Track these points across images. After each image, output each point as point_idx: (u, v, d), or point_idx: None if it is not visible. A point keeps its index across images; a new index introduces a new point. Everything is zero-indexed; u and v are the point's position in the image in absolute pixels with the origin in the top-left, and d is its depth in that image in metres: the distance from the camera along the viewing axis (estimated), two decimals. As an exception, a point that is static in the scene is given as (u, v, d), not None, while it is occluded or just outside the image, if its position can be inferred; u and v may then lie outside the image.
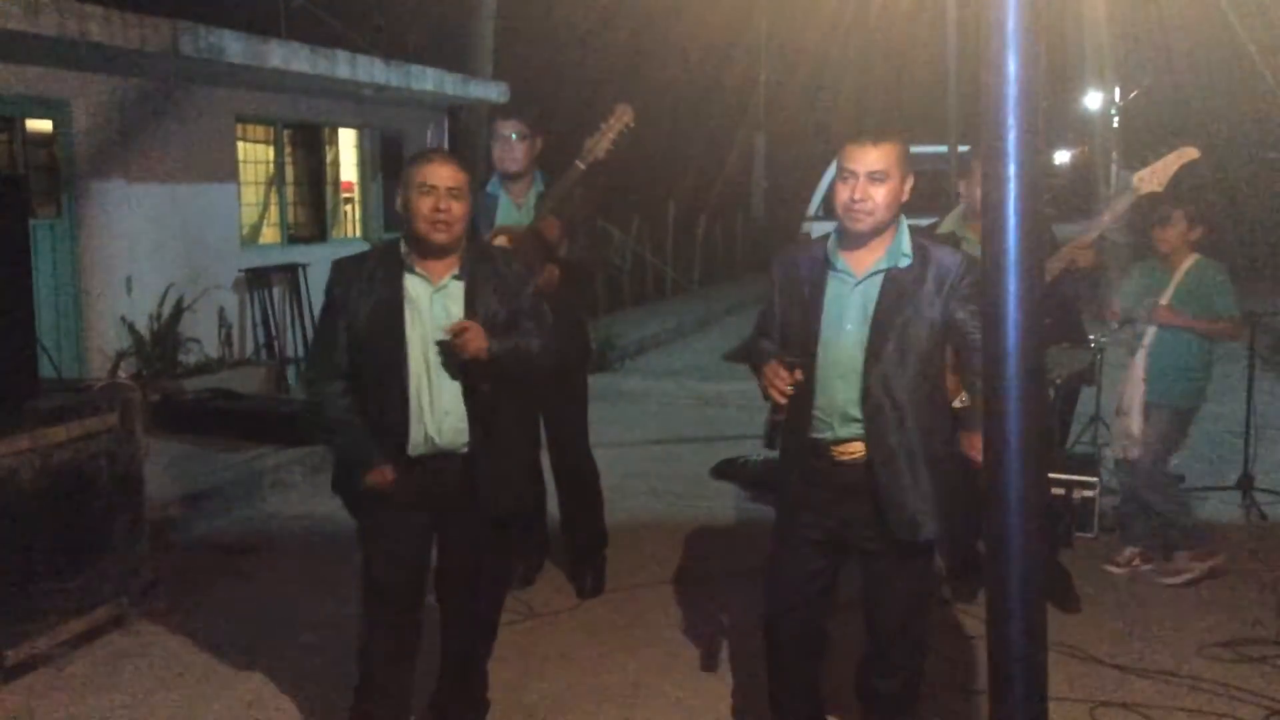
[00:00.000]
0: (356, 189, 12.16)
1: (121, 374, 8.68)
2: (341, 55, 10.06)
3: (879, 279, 3.16)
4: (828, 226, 3.52)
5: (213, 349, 9.87)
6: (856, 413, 3.15)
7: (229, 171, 10.33)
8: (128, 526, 4.69)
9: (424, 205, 3.27)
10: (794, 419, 3.21)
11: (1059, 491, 5.43)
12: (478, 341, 3.24)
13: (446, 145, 13.28)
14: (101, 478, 4.54)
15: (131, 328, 9.11)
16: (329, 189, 11.79)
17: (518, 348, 3.35)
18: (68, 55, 7.96)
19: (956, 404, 4.15)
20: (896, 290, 3.13)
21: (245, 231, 10.71)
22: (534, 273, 3.92)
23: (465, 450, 3.36)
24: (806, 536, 3.29)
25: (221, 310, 10.01)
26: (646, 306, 16.20)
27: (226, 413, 7.66)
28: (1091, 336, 5.44)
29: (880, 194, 3.09)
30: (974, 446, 3.22)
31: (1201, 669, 4.24)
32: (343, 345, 3.37)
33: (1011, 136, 1.59)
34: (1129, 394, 5.09)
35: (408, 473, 3.35)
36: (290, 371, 9.98)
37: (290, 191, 11.42)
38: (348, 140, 12.06)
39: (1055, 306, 4.71)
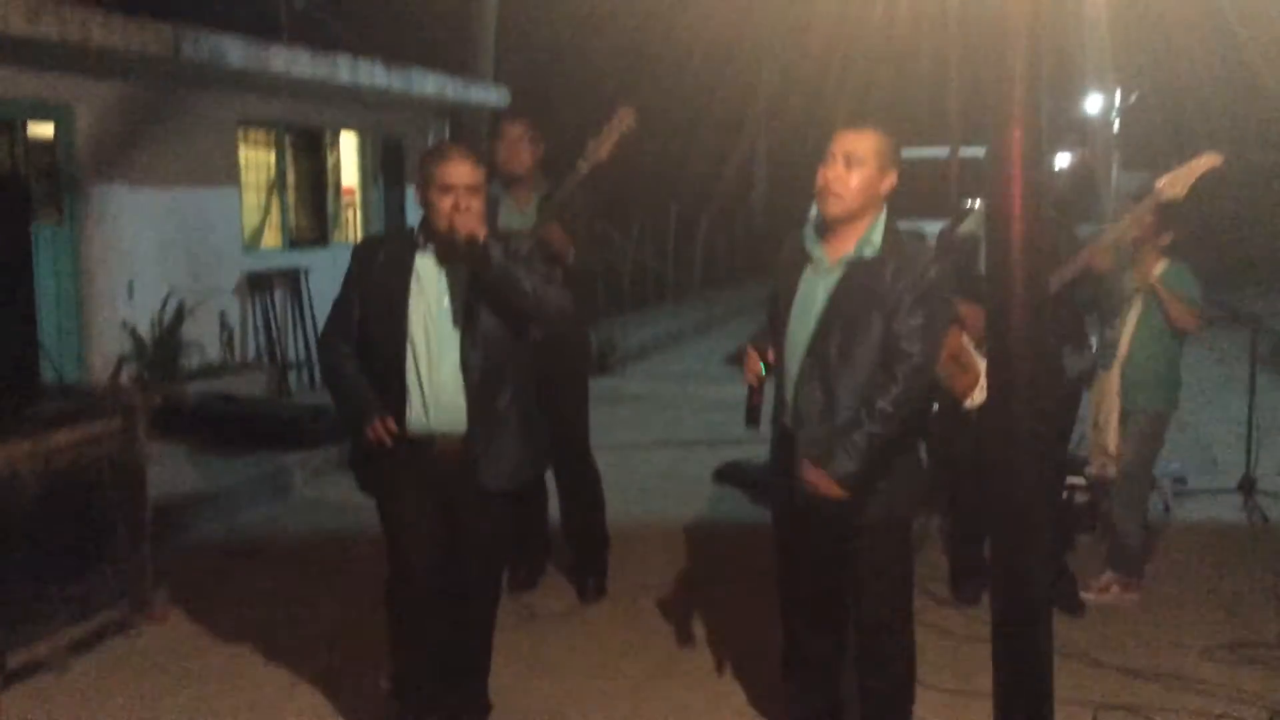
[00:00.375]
0: (358, 193, 12.16)
1: (123, 378, 8.69)
2: (343, 59, 10.07)
3: (843, 268, 3.23)
4: None
5: (214, 353, 9.87)
6: (816, 404, 3.23)
7: (230, 176, 10.34)
8: (130, 530, 4.69)
9: (444, 204, 3.33)
10: (775, 406, 3.35)
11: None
12: (476, 222, 3.29)
13: (448, 149, 13.26)
14: (103, 482, 4.54)
15: (133, 332, 9.11)
16: (330, 193, 11.79)
17: (513, 273, 3.33)
18: (69, 60, 7.97)
19: (967, 404, 4.14)
20: (855, 281, 3.19)
21: (247, 236, 10.71)
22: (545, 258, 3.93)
23: (464, 434, 3.40)
24: (796, 524, 3.39)
25: (223, 314, 10.01)
26: (648, 309, 16.20)
27: (228, 417, 7.66)
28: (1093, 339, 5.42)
29: (854, 179, 3.15)
30: (815, 479, 3.19)
31: (1204, 671, 4.23)
32: (355, 317, 3.49)
33: (1015, 139, 1.60)
34: (1105, 408, 4.96)
35: (411, 454, 3.41)
36: (292, 376, 9.98)
37: (291, 195, 11.42)
38: (349, 144, 12.06)
39: (1067, 310, 4.65)
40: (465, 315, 3.39)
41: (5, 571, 4.12)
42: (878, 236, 3.21)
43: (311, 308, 10.32)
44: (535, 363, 4.75)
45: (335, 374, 3.54)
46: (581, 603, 5.00)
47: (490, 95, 12.85)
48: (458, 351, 3.38)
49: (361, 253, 3.56)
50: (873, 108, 20.37)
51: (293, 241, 11.21)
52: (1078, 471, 5.53)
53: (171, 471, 6.56)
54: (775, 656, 3.69)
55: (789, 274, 3.32)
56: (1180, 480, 6.54)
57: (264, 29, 10.14)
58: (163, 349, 9.19)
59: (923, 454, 3.47)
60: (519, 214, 4.85)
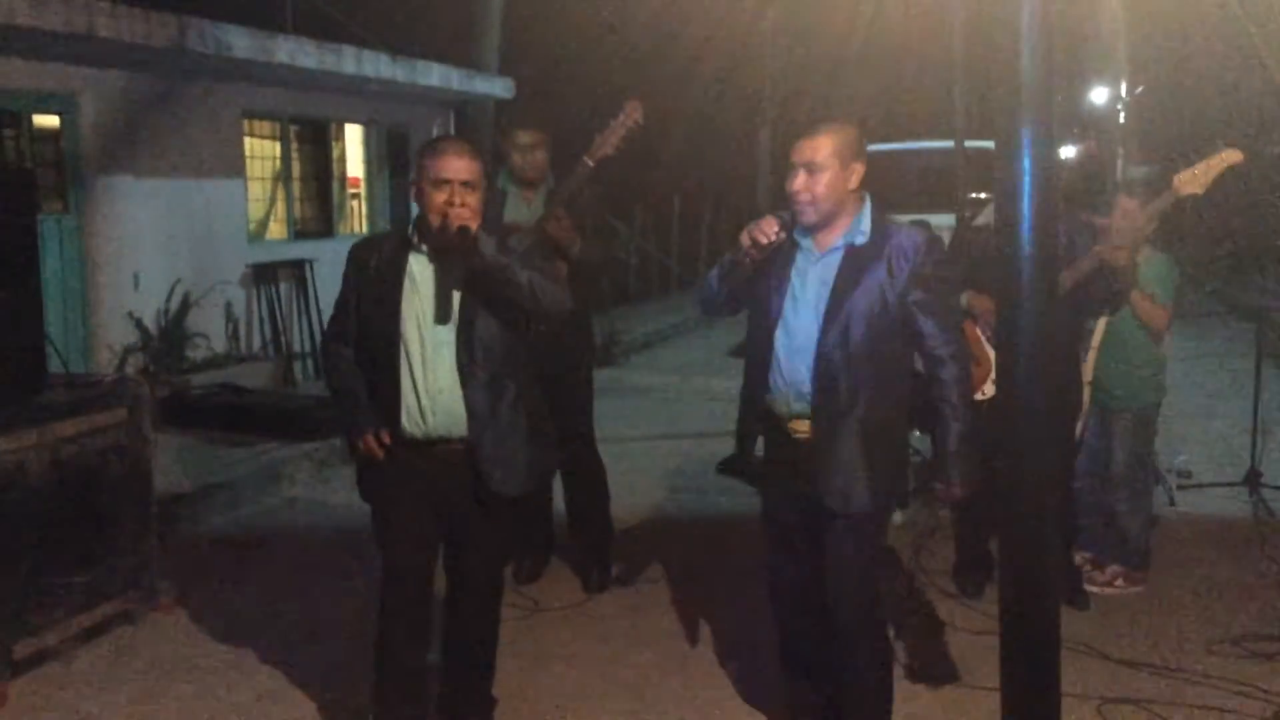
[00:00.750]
0: (363, 184, 12.16)
1: (129, 369, 8.71)
2: (348, 50, 10.05)
3: (838, 255, 3.26)
4: None
5: (220, 344, 9.88)
6: (809, 390, 3.24)
7: (236, 167, 10.34)
8: (136, 521, 4.70)
9: (438, 199, 3.25)
10: (751, 383, 3.40)
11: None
12: (471, 217, 3.22)
13: (453, 140, 13.25)
14: (110, 472, 4.55)
15: (139, 323, 9.12)
16: (335, 184, 11.79)
17: (508, 268, 3.25)
18: (75, 50, 7.97)
19: (978, 396, 4.13)
20: (854, 267, 3.23)
21: (252, 227, 10.72)
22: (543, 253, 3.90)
23: (465, 436, 3.33)
24: (781, 516, 3.46)
25: (229, 305, 10.02)
26: (651, 301, 16.20)
27: (234, 407, 7.67)
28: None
29: (819, 185, 3.21)
30: (948, 492, 3.29)
31: (1210, 665, 4.23)
32: (350, 318, 3.44)
33: (1025, 130, 1.59)
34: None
35: (409, 457, 3.34)
36: (297, 366, 9.99)
37: (297, 187, 11.42)
38: (354, 136, 12.06)
39: (1075, 308, 4.62)
40: (461, 314, 3.31)
41: (12, 562, 4.13)
42: (867, 224, 3.27)
43: (317, 299, 10.32)
44: (539, 355, 4.78)
45: (333, 380, 3.50)
46: (586, 595, 5.00)
47: (495, 87, 12.83)
48: (453, 352, 3.30)
49: (357, 254, 3.47)
50: (879, 102, 20.33)
51: (298, 233, 11.22)
52: None
53: (177, 462, 6.57)
54: (778, 647, 3.70)
55: (775, 262, 3.32)
56: (1186, 474, 6.54)
57: (269, 20, 10.14)
58: (168, 340, 9.20)
59: (915, 445, 3.49)
60: (526, 207, 4.84)
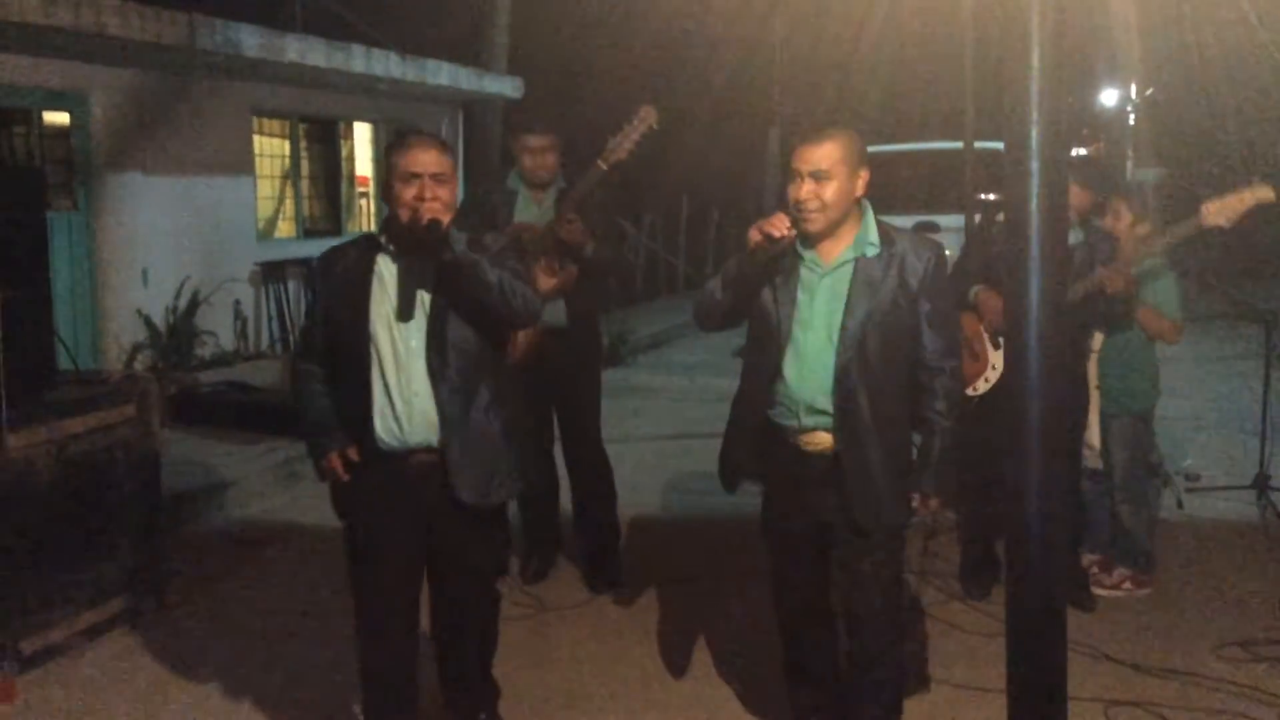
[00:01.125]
0: (372, 183, 12.19)
1: (138, 366, 8.73)
2: (357, 49, 10.08)
3: (848, 269, 3.19)
4: None
5: (228, 342, 9.91)
6: (824, 404, 3.17)
7: (245, 165, 10.37)
8: (143, 518, 4.71)
9: (408, 194, 3.11)
10: (749, 399, 3.32)
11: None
12: (442, 211, 3.10)
13: (461, 139, 13.29)
14: (117, 469, 4.56)
15: (148, 320, 9.15)
16: (344, 183, 11.82)
17: (477, 265, 3.11)
18: (85, 48, 8.00)
19: (969, 392, 4.12)
20: (866, 280, 3.17)
21: (261, 225, 10.75)
22: (529, 262, 3.86)
23: (438, 445, 3.17)
24: (786, 529, 3.38)
25: (237, 303, 10.05)
26: (659, 301, 16.21)
27: (242, 405, 7.68)
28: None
29: (827, 193, 3.13)
30: (924, 505, 3.26)
31: (1217, 669, 4.22)
32: (321, 334, 3.29)
33: (1034, 132, 1.59)
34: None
35: (383, 470, 3.19)
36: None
37: (306, 185, 11.45)
38: (363, 134, 12.09)
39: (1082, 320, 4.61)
40: (430, 315, 3.15)
41: (20, 558, 4.14)
42: (874, 234, 3.21)
43: (324, 297, 10.34)
44: (548, 354, 4.79)
45: (299, 399, 3.33)
46: (592, 594, 5.00)
47: (504, 86, 12.85)
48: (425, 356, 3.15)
49: (324, 263, 3.31)
50: (886, 100, 20.31)
51: (307, 231, 11.25)
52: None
53: (184, 460, 6.58)
54: (783, 657, 3.65)
55: (778, 276, 3.23)
56: (1194, 477, 6.52)
57: (279, 19, 10.16)
58: (177, 337, 9.23)
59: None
60: (536, 207, 4.85)
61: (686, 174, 19.32)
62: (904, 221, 3.37)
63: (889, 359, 3.17)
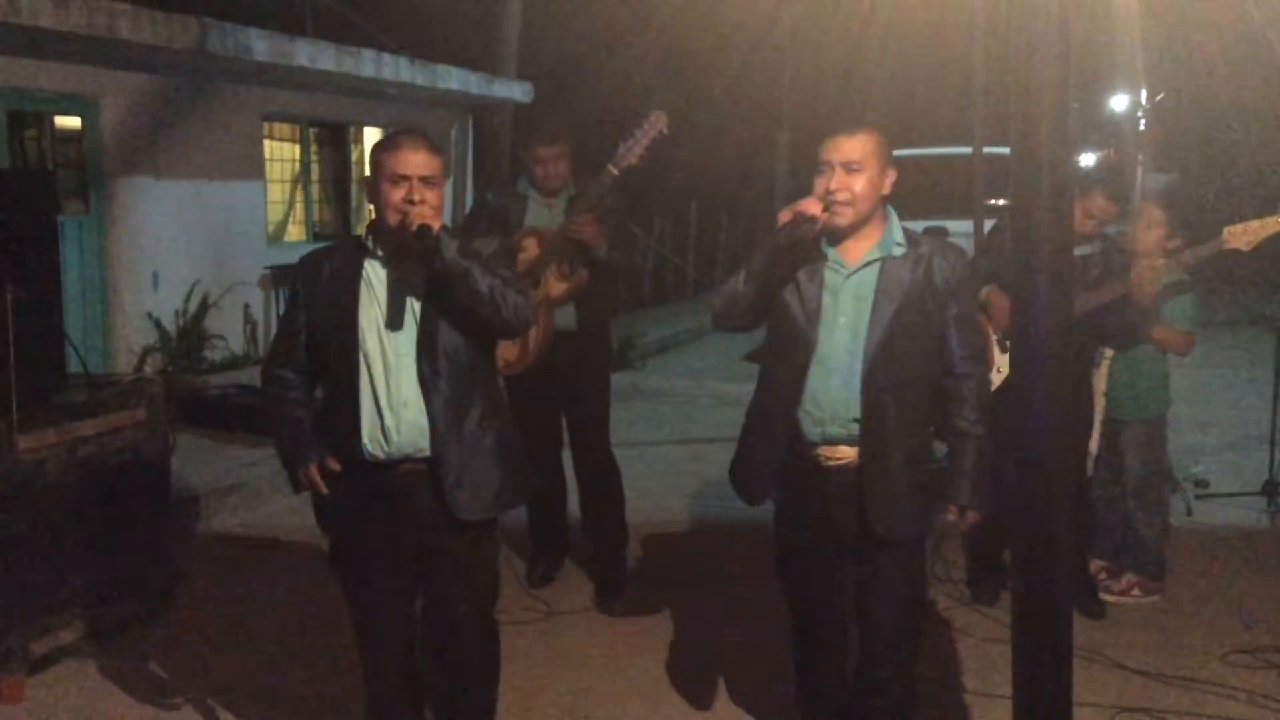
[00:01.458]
0: (380, 187, 12.21)
1: (148, 369, 8.76)
2: (367, 54, 10.11)
3: (874, 269, 3.06)
4: None
5: (238, 345, 9.94)
6: (848, 411, 3.03)
7: (255, 169, 10.40)
8: (153, 520, 4.72)
9: (396, 196, 2.98)
10: (769, 407, 3.16)
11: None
12: (432, 215, 2.96)
13: (471, 144, 13.32)
14: (127, 471, 4.57)
15: (158, 323, 9.18)
16: (354, 187, 11.85)
17: (469, 272, 2.97)
18: (96, 53, 8.04)
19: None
20: (894, 279, 3.04)
21: (271, 229, 10.78)
22: (515, 266, 3.75)
23: (428, 455, 3.05)
24: (803, 547, 3.24)
25: (247, 307, 10.08)
26: (668, 306, 16.21)
27: (250, 408, 7.70)
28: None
29: (857, 185, 3.01)
30: (961, 519, 3.12)
31: (1225, 675, 4.20)
32: (301, 342, 3.15)
33: (1041, 139, 1.59)
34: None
35: (369, 482, 3.08)
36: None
37: (315, 189, 11.48)
38: (373, 139, 12.10)
39: (1095, 331, 4.60)
40: (421, 323, 3.04)
41: (29, 559, 4.16)
42: (900, 235, 3.10)
43: (334, 301, 10.36)
44: (559, 358, 4.80)
45: (272, 409, 3.19)
46: (599, 599, 5.00)
47: (514, 90, 12.87)
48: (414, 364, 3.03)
49: (305, 267, 3.17)
50: (895, 106, 20.31)
51: (316, 234, 11.28)
52: None
53: (194, 462, 6.60)
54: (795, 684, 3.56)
55: (800, 276, 3.10)
56: (1203, 483, 6.51)
57: (289, 23, 10.20)
58: (186, 340, 9.26)
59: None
60: (547, 212, 4.86)
61: (695, 178, 19.33)
62: (913, 226, 3.29)
63: (914, 362, 3.05)
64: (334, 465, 3.07)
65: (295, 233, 11.21)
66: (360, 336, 3.04)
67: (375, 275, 3.08)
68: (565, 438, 5.16)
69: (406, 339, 3.04)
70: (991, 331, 4.68)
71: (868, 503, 3.06)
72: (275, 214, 10.94)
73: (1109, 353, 4.88)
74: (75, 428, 4.34)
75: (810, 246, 3.06)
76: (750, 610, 4.79)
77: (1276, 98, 16.29)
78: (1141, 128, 23.20)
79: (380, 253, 3.08)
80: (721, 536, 5.93)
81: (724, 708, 4.02)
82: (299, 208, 11.25)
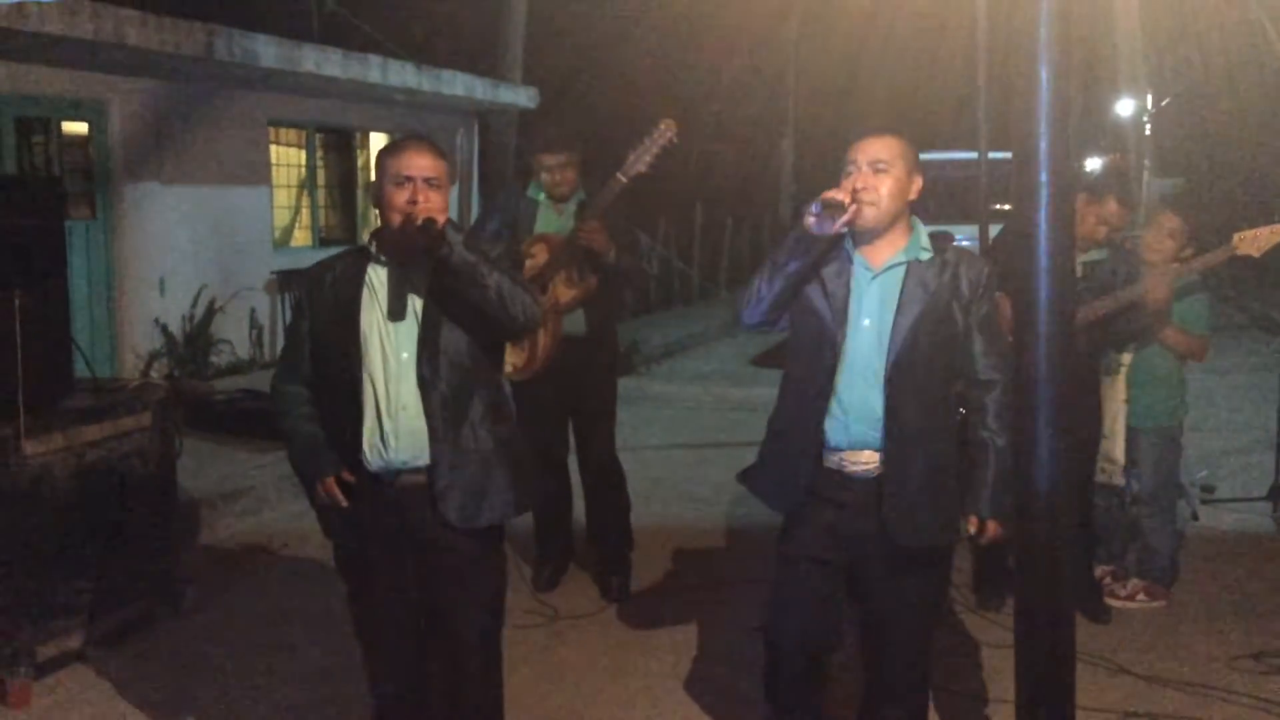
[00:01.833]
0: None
1: (154, 374, 8.78)
2: (373, 60, 10.14)
3: (899, 271, 3.02)
4: None
5: (244, 350, 9.96)
6: (875, 414, 2.98)
7: (261, 174, 10.43)
8: (159, 525, 4.74)
9: (399, 198, 2.95)
10: (794, 410, 3.10)
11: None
12: (436, 208, 2.94)
13: (476, 149, 13.35)
14: (133, 476, 4.59)
15: (164, 328, 9.21)
16: (360, 193, 11.88)
17: (477, 265, 2.92)
18: (104, 59, 8.07)
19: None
20: (919, 284, 3.00)
21: (277, 234, 10.81)
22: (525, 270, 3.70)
23: (426, 465, 3.00)
24: (810, 555, 3.12)
25: (253, 312, 10.10)
26: (673, 311, 16.23)
27: (256, 413, 7.71)
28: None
29: (884, 185, 2.98)
30: (983, 533, 3.05)
31: (1231, 680, 4.20)
32: (306, 352, 3.13)
33: (1043, 145, 1.60)
34: (1109, 416, 4.89)
35: (369, 494, 3.04)
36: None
37: (321, 195, 11.51)
38: (379, 144, 12.14)
39: (1106, 338, 4.60)
40: (423, 323, 2.99)
41: (36, 564, 4.17)
42: (925, 240, 3.07)
43: (340, 306, 10.39)
44: (566, 362, 4.81)
45: (285, 422, 3.15)
46: (605, 603, 5.01)
47: (519, 96, 12.91)
48: (416, 346, 2.98)
49: (311, 278, 3.14)
50: (900, 111, 20.32)
51: (323, 240, 11.31)
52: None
53: (200, 467, 6.61)
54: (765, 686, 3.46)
55: (826, 277, 3.05)
56: (1209, 489, 6.50)
57: (296, 30, 10.23)
58: (193, 345, 9.29)
59: None
60: (557, 217, 4.87)
61: (700, 183, 19.36)
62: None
63: (938, 366, 3.01)
64: (349, 477, 3.03)
65: (301, 238, 11.23)
66: (362, 341, 3.00)
67: (378, 279, 3.05)
68: (571, 442, 5.16)
69: (408, 342, 3.00)
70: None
71: (887, 507, 3.00)
72: (281, 219, 10.97)
73: (1127, 359, 4.86)
74: (82, 432, 4.36)
75: (834, 239, 3.00)
76: (756, 615, 4.79)
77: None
78: (1147, 133, 23.19)
79: (384, 257, 3.05)
80: (727, 541, 5.93)
81: (729, 712, 4.02)
82: (305, 213, 11.28)
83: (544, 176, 4.87)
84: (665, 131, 4.57)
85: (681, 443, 8.27)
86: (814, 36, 21.75)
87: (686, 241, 17.95)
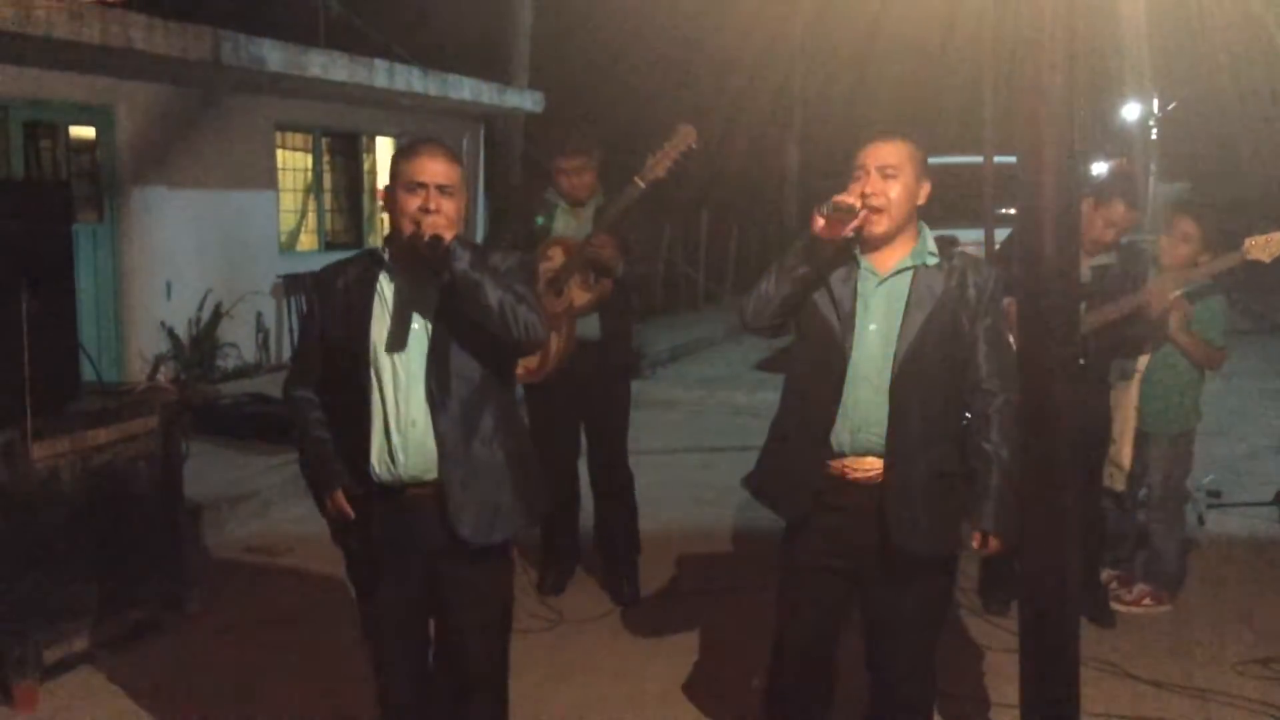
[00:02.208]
0: (393, 196, 12.27)
1: (161, 378, 8.80)
2: (380, 64, 10.16)
3: (906, 277, 3.00)
4: None
5: (250, 354, 9.98)
6: (880, 420, 2.96)
7: (268, 179, 10.45)
8: (165, 528, 4.75)
9: (411, 204, 2.89)
10: (799, 417, 3.08)
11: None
12: (446, 226, 2.86)
13: (483, 154, 13.36)
14: (141, 479, 4.60)
15: (171, 332, 9.22)
16: (366, 197, 11.90)
17: (480, 287, 2.86)
18: (111, 63, 8.09)
19: None
20: (926, 287, 2.98)
21: (283, 238, 10.82)
22: (536, 276, 3.65)
23: (436, 479, 2.95)
24: (813, 565, 3.10)
25: (259, 315, 10.12)
26: (679, 315, 16.23)
27: (262, 417, 7.73)
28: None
29: (893, 190, 2.96)
30: (985, 545, 2.99)
31: (1237, 686, 4.19)
32: (318, 356, 3.08)
33: (1047, 149, 1.60)
34: (1119, 422, 4.87)
35: (378, 505, 3.00)
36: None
37: (328, 199, 11.53)
38: (385, 149, 12.16)
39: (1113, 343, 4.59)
40: (432, 338, 2.93)
41: (43, 567, 4.18)
42: (932, 245, 3.05)
43: (346, 310, 10.41)
44: (580, 366, 4.81)
45: (298, 430, 3.10)
46: (611, 607, 5.00)
47: (525, 100, 12.92)
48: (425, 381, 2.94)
49: (322, 281, 3.09)
50: (906, 116, 20.31)
51: (329, 244, 11.32)
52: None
53: (207, 470, 6.62)
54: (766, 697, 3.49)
55: (833, 282, 3.03)
56: (1215, 493, 6.48)
57: (303, 34, 10.26)
58: (199, 349, 9.31)
59: None
60: (575, 220, 4.88)
61: (705, 187, 19.35)
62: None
63: (943, 372, 2.98)
64: (357, 489, 3.00)
65: (308, 242, 11.25)
66: (372, 351, 2.95)
67: (389, 288, 2.99)
68: (581, 446, 5.17)
69: (417, 356, 2.94)
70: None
71: (889, 513, 2.97)
72: (288, 223, 10.99)
73: (1141, 366, 4.84)
74: (89, 436, 4.37)
75: (842, 244, 2.98)
76: (762, 619, 4.78)
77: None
78: (1154, 136, 23.16)
79: (395, 264, 3.00)
80: (733, 544, 5.93)
81: (734, 717, 4.01)
82: (311, 217, 11.30)
83: (561, 180, 4.87)
84: (685, 137, 4.55)
85: (686, 447, 8.27)
86: (820, 40, 21.75)
87: (692, 246, 17.96)
